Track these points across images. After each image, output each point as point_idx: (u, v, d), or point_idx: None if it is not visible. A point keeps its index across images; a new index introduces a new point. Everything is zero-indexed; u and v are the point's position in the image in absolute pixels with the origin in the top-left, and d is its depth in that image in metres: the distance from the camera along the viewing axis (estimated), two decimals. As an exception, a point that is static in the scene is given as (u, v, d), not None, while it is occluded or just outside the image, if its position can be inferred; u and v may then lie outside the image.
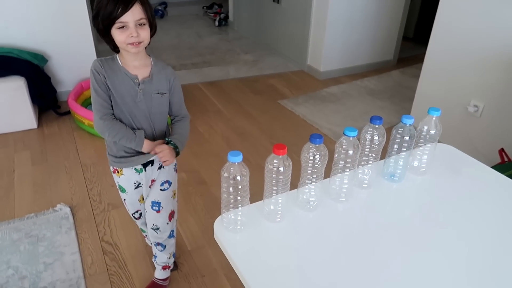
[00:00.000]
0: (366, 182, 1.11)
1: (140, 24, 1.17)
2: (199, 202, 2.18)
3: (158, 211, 1.50)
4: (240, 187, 0.90)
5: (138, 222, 1.65)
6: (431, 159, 1.16)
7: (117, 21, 1.14)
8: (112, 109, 1.28)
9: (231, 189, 0.91)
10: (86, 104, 3.02)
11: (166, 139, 1.35)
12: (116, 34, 1.17)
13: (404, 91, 3.58)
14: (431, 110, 1.08)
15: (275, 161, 0.91)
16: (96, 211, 2.09)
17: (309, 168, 0.97)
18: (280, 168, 0.91)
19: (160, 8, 5.84)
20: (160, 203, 1.48)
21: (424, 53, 2.70)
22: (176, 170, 1.52)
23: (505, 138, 2.27)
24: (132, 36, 1.16)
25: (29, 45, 2.92)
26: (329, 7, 3.51)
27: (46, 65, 3.01)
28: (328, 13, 3.54)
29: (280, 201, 0.96)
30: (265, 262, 0.89)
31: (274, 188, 0.94)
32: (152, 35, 1.23)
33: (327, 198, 1.06)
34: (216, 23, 5.43)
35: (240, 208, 0.94)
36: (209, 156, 2.59)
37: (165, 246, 1.60)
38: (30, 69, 2.76)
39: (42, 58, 2.93)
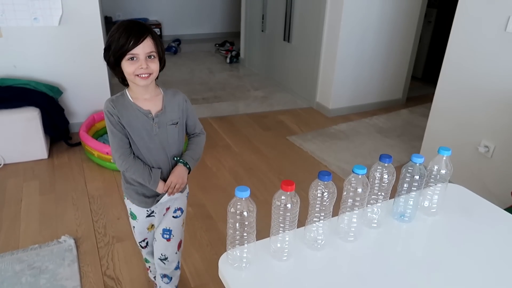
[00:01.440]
0: (375, 221, 1.08)
1: (150, 57, 1.22)
2: (204, 238, 2.15)
3: (168, 240, 1.50)
4: (246, 223, 0.89)
5: (144, 252, 1.63)
6: (442, 200, 1.13)
7: (128, 53, 1.19)
8: (130, 146, 1.31)
9: (237, 225, 0.89)
10: (97, 136, 3.06)
11: (175, 158, 1.37)
12: (126, 65, 1.21)
13: (413, 129, 3.58)
14: (441, 150, 1.07)
15: (283, 197, 0.89)
16: (100, 244, 2.07)
17: (317, 205, 0.95)
18: (287, 205, 0.89)
19: (173, 44, 6.02)
20: (171, 230, 1.49)
21: (433, 93, 2.72)
22: (187, 198, 1.54)
23: (517, 179, 2.23)
24: (141, 68, 1.20)
25: (46, 77, 3.01)
26: (339, 46, 3.59)
27: (61, 97, 3.08)
28: (337, 51, 3.61)
29: (287, 238, 0.94)
30: (270, 302, 0.86)
31: (281, 225, 0.93)
32: (161, 69, 1.27)
33: (335, 237, 1.04)
34: (228, 60, 5.57)
35: (246, 245, 0.92)
36: (217, 190, 2.58)
37: (171, 278, 1.59)
38: (45, 100, 2.83)
39: (58, 90, 3.01)
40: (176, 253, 1.54)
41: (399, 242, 1.08)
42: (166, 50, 5.91)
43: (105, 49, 1.24)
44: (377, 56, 3.83)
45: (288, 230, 0.93)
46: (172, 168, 1.38)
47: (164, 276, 1.58)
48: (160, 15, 6.56)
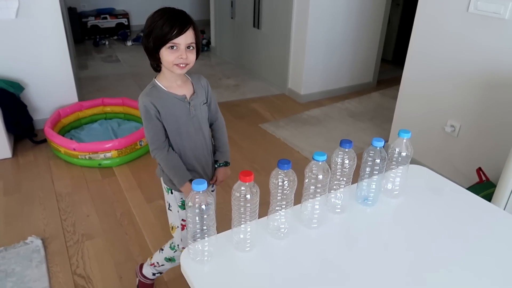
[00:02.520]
0: (339, 206, 1.08)
1: (189, 47, 1.23)
2: (177, 230, 2.12)
3: None
4: (205, 216, 0.87)
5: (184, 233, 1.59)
6: (404, 181, 1.14)
7: (170, 42, 1.19)
8: (166, 139, 1.33)
9: (196, 218, 0.87)
10: (64, 132, 2.97)
11: (216, 164, 1.46)
12: (166, 53, 1.22)
13: (384, 112, 3.62)
14: (401, 132, 1.08)
15: (242, 188, 0.88)
16: (69, 243, 2.01)
17: (279, 194, 0.94)
18: (247, 196, 0.88)
19: (142, 34, 5.86)
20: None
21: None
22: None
23: (482, 157, 2.29)
24: (181, 58, 1.21)
25: (5, 73, 2.88)
26: (308, 32, 3.57)
27: (23, 93, 2.96)
28: (307, 37, 3.60)
29: (249, 229, 0.93)
30: (233, 295, 0.85)
31: (242, 216, 0.91)
32: (196, 58, 1.28)
33: (298, 224, 1.03)
34: (199, 48, 5.47)
35: (207, 238, 0.90)
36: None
37: None
38: (6, 97, 2.71)
39: (19, 86, 2.89)
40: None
41: (363, 225, 1.08)
42: (135, 40, 5.78)
43: (145, 34, 1.23)
44: (346, 41, 3.84)
45: (250, 221, 0.92)
46: (208, 150, 1.43)
47: None
48: (127, 5, 6.37)
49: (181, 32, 1.19)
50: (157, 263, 1.61)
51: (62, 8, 3.24)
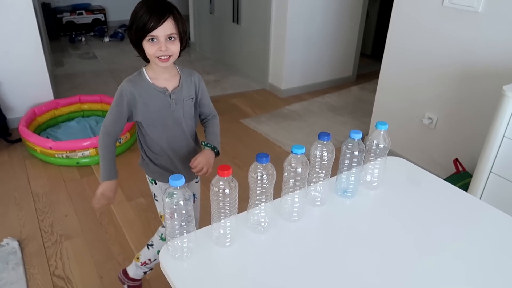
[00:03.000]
0: (318, 199, 1.09)
1: (170, 38, 1.19)
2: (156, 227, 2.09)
3: (193, 202, 1.57)
4: (184, 211, 0.86)
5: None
6: (382, 173, 1.15)
7: (148, 35, 1.17)
8: (120, 131, 1.32)
9: (175, 214, 0.86)
10: (39, 130, 2.89)
11: (203, 142, 1.39)
12: (147, 46, 1.20)
13: (364, 106, 3.66)
14: (378, 124, 1.09)
15: (221, 183, 0.87)
16: (47, 244, 1.97)
17: (258, 188, 0.94)
18: (226, 190, 0.87)
19: (120, 30, 5.76)
20: (195, 194, 1.53)
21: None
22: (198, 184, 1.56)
23: (459, 148, 2.34)
24: (160, 50, 1.18)
25: (-24, 71, 2.78)
26: (288, 27, 3.57)
27: (-5, 91, 2.87)
28: (287, 32, 3.59)
29: (228, 224, 0.92)
30: (213, 290, 0.84)
31: (221, 211, 0.91)
32: (182, 49, 1.26)
33: (279, 218, 1.03)
34: (178, 44, 5.41)
35: (185, 235, 0.89)
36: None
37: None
38: (-23, 96, 2.62)
39: (-9, 84, 2.80)
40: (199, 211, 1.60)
41: (343, 218, 1.09)
42: (112, 36, 5.66)
43: (128, 27, 1.22)
44: (326, 35, 3.85)
45: (229, 216, 0.91)
46: (189, 144, 1.39)
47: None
48: (104, 0, 6.23)
49: (158, 23, 1.15)
50: (149, 260, 1.58)
51: (35, 3, 3.15)
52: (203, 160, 1.34)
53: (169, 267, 0.88)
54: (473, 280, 0.89)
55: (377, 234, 1.02)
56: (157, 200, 1.48)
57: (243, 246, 0.95)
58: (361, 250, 0.96)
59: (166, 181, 1.39)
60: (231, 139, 3.05)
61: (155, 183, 1.43)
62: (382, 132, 1.09)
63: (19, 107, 3.00)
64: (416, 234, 1.01)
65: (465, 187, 1.83)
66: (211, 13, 4.70)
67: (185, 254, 0.90)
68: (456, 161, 2.20)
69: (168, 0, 1.21)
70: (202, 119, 1.47)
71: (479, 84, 2.18)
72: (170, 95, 1.30)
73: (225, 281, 0.87)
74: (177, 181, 0.83)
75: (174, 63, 1.31)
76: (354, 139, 1.05)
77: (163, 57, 1.20)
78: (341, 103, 3.77)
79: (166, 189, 1.39)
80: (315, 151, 1.03)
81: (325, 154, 1.02)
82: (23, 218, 2.13)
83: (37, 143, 2.55)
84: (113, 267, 1.82)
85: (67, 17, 5.76)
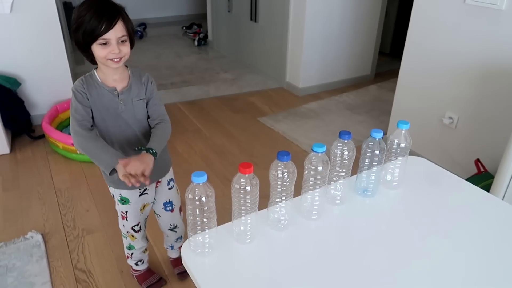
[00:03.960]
0: (338, 198, 1.09)
1: (122, 41, 1.20)
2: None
3: (172, 210, 1.59)
4: (206, 208, 0.87)
5: (138, 236, 1.59)
6: (403, 173, 1.15)
7: (99, 38, 1.16)
8: (91, 126, 1.30)
9: (197, 211, 0.88)
10: (61, 127, 2.96)
11: (136, 148, 1.30)
12: (97, 49, 1.19)
13: (382, 105, 3.62)
14: (400, 123, 1.08)
15: (242, 180, 0.88)
16: (69, 238, 2.02)
17: (278, 186, 0.95)
18: (247, 188, 0.88)
19: (139, 29, 5.83)
20: (171, 201, 1.58)
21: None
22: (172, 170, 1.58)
23: (480, 148, 2.29)
24: (114, 53, 1.18)
25: (1, 68, 2.86)
26: (306, 25, 3.56)
27: (19, 89, 2.94)
28: (304, 30, 3.58)
29: (249, 221, 0.93)
30: (235, 285, 0.85)
31: (242, 208, 0.92)
32: (131, 48, 1.26)
33: (298, 216, 1.04)
34: (196, 43, 5.45)
35: (207, 231, 0.90)
36: (188, 176, 2.51)
37: (181, 236, 1.72)
38: (2, 92, 2.70)
39: (15, 82, 2.87)
40: (181, 218, 1.66)
41: (363, 217, 1.09)
42: (131, 35, 5.73)
43: (73, 30, 1.19)
44: (344, 33, 3.83)
45: (250, 213, 0.92)
46: (141, 144, 1.36)
47: (178, 238, 1.71)
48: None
49: (110, 26, 1.15)
50: (127, 254, 1.68)
51: (57, 2, 3.21)
52: (137, 162, 1.20)
53: (191, 262, 0.90)
54: (497, 284, 0.87)
55: (396, 234, 1.01)
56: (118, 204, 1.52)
57: (263, 243, 0.96)
58: (379, 250, 0.95)
59: (114, 186, 1.43)
60: (248, 137, 3.06)
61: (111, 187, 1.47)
62: (403, 131, 1.08)
63: (42, 104, 3.08)
64: (436, 235, 1.01)
65: (486, 188, 1.80)
66: (229, 11, 4.72)
67: (206, 250, 0.92)
68: (477, 161, 2.17)
69: (113, 1, 1.20)
70: (151, 126, 1.38)
71: (502, 83, 2.14)
72: (118, 95, 1.29)
73: (245, 277, 0.88)
74: (200, 177, 0.84)
75: (126, 65, 1.32)
76: (375, 138, 1.05)
77: (115, 59, 1.20)
78: (359, 102, 3.74)
79: (119, 194, 1.43)
80: (335, 150, 1.03)
81: (346, 153, 1.02)
82: (46, 213, 2.19)
83: (60, 139, 2.61)
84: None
85: (87, 16, 5.86)
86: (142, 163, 1.21)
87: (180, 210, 1.66)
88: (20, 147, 2.83)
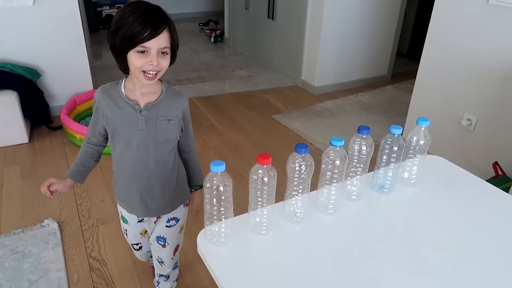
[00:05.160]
0: (354, 193, 1.08)
1: (163, 53, 1.07)
2: (190, 218, 2.14)
3: (163, 246, 1.42)
4: (223, 197, 0.88)
5: (137, 254, 1.56)
6: (421, 171, 1.13)
7: (139, 45, 1.03)
8: (98, 140, 1.26)
9: (214, 200, 0.88)
10: (79, 119, 3.00)
11: (193, 188, 1.38)
12: (134, 57, 1.05)
13: (398, 105, 3.59)
14: (420, 120, 1.07)
15: (260, 171, 0.88)
16: (84, 227, 2.05)
17: (295, 178, 0.95)
18: (264, 179, 0.88)
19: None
20: (166, 238, 1.40)
21: (418, 69, 2.71)
22: (186, 205, 1.42)
23: (499, 151, 2.26)
24: (151, 64, 1.05)
25: (22, 59, 2.92)
26: (323, 24, 3.54)
27: (39, 80, 3.00)
28: (322, 29, 3.57)
29: (265, 212, 0.94)
30: (249, 276, 0.86)
31: (259, 199, 0.92)
32: (171, 64, 1.12)
33: (314, 210, 1.03)
34: (212, 39, 5.48)
35: (224, 220, 0.91)
36: (202, 171, 2.56)
37: (168, 276, 1.56)
38: (23, 83, 2.75)
39: (35, 73, 2.93)
40: (172, 258, 1.46)
41: (378, 214, 1.08)
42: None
43: (112, 32, 1.06)
44: (361, 33, 3.80)
45: (266, 205, 0.93)
46: (159, 174, 1.25)
47: (161, 275, 1.56)
48: (142, -5, 6.37)
49: (154, 34, 1.02)
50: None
51: (79, -4, 3.26)
52: (200, 201, 1.35)
53: (207, 251, 0.91)
54: (515, 282, 0.86)
55: (412, 232, 1.00)
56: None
57: (278, 235, 0.96)
58: (394, 248, 0.95)
59: (120, 204, 1.36)
60: (262, 133, 3.06)
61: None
62: (423, 129, 1.07)
63: (60, 96, 3.13)
64: (453, 235, 0.99)
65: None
66: (246, 8, 4.73)
67: (222, 240, 0.92)
68: (495, 164, 2.13)
69: (162, 9, 1.08)
70: (180, 150, 1.32)
71: (524, 85, 2.10)
72: (141, 110, 1.14)
73: (259, 267, 0.88)
74: (218, 167, 0.85)
75: (161, 79, 1.17)
76: (394, 134, 1.04)
77: (150, 74, 1.07)
78: (374, 102, 3.71)
79: (120, 211, 1.38)
80: (353, 145, 1.03)
81: (364, 148, 1.02)
82: (63, 202, 2.23)
83: (77, 130, 2.65)
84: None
85: (106, 10, 5.94)
86: (201, 201, 1.33)
87: (175, 251, 1.46)
88: (38, 137, 2.89)
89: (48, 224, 2.03)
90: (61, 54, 3.03)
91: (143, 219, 1.38)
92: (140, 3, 1.06)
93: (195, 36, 5.83)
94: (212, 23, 5.97)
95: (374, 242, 0.96)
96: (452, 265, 0.89)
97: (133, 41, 1.03)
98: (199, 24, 6.18)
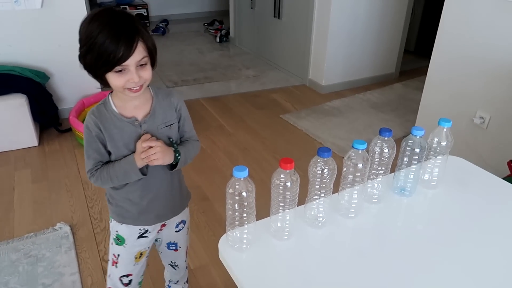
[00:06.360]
0: (376, 196, 1.07)
1: (142, 65, 1.00)
2: (201, 219, 2.13)
3: (175, 250, 1.39)
4: (246, 203, 0.86)
5: None
6: (442, 172, 1.12)
7: (116, 66, 0.95)
8: (103, 162, 1.12)
9: (236, 205, 0.87)
10: (88, 121, 3.00)
11: (171, 139, 1.15)
12: (113, 78, 0.98)
13: (407, 103, 3.56)
14: (442, 121, 1.05)
15: (282, 176, 0.87)
16: (96, 230, 2.05)
17: (317, 182, 0.93)
18: (287, 183, 0.87)
19: (161, 25, 5.88)
20: (177, 243, 1.37)
21: (426, 66, 2.69)
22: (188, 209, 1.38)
23: (513, 149, 2.23)
24: (133, 82, 0.99)
25: (31, 62, 2.92)
26: (330, 22, 3.52)
27: (48, 83, 3.00)
28: (329, 27, 3.54)
29: (287, 217, 0.92)
30: (272, 281, 0.84)
31: (281, 204, 0.91)
32: (153, 68, 1.05)
33: (336, 214, 1.02)
34: (217, 39, 5.46)
35: (246, 226, 0.90)
36: (212, 172, 2.55)
37: (182, 281, 1.54)
38: (32, 86, 2.75)
39: (44, 76, 2.93)
40: (185, 260, 1.45)
41: (400, 216, 1.07)
42: (153, 31, 5.78)
43: (82, 53, 0.97)
44: (369, 31, 3.77)
45: (288, 209, 0.91)
46: (168, 180, 1.20)
47: (178, 281, 1.52)
48: (146, -5, 6.37)
49: (129, 52, 0.94)
50: None
51: (86, -2, 3.26)
52: (162, 151, 1.07)
53: (229, 257, 0.90)
54: (545, 287, 0.84)
55: (433, 235, 0.99)
56: (111, 243, 1.27)
57: (300, 240, 0.95)
58: (416, 250, 0.93)
59: (118, 220, 1.21)
60: (271, 133, 3.05)
61: (111, 222, 1.25)
62: (445, 130, 1.06)
63: (69, 98, 3.13)
64: (477, 236, 0.98)
65: (521, 190, 1.75)
66: (251, 8, 4.71)
67: (244, 246, 0.91)
68: (510, 163, 2.10)
69: (128, 13, 1.00)
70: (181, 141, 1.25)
71: (538, 82, 2.07)
72: (141, 125, 1.09)
73: (281, 273, 0.87)
74: (241, 172, 0.83)
75: (148, 84, 1.09)
76: (416, 136, 1.02)
77: (134, 88, 1.01)
78: (383, 100, 3.69)
79: (116, 231, 1.21)
80: (374, 147, 1.01)
81: (386, 150, 1.00)
82: (74, 205, 2.23)
83: (87, 133, 2.65)
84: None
85: (111, 12, 5.93)
86: (164, 156, 1.08)
87: (187, 253, 1.43)
88: (48, 140, 2.89)
89: (60, 228, 2.03)
90: (69, 57, 2.98)
91: (146, 231, 1.25)
92: (105, 14, 0.97)
93: (200, 36, 5.82)
94: (217, 23, 5.95)
95: (395, 246, 0.95)
96: (477, 268, 0.88)
97: (109, 65, 0.95)
98: (204, 24, 6.17)
